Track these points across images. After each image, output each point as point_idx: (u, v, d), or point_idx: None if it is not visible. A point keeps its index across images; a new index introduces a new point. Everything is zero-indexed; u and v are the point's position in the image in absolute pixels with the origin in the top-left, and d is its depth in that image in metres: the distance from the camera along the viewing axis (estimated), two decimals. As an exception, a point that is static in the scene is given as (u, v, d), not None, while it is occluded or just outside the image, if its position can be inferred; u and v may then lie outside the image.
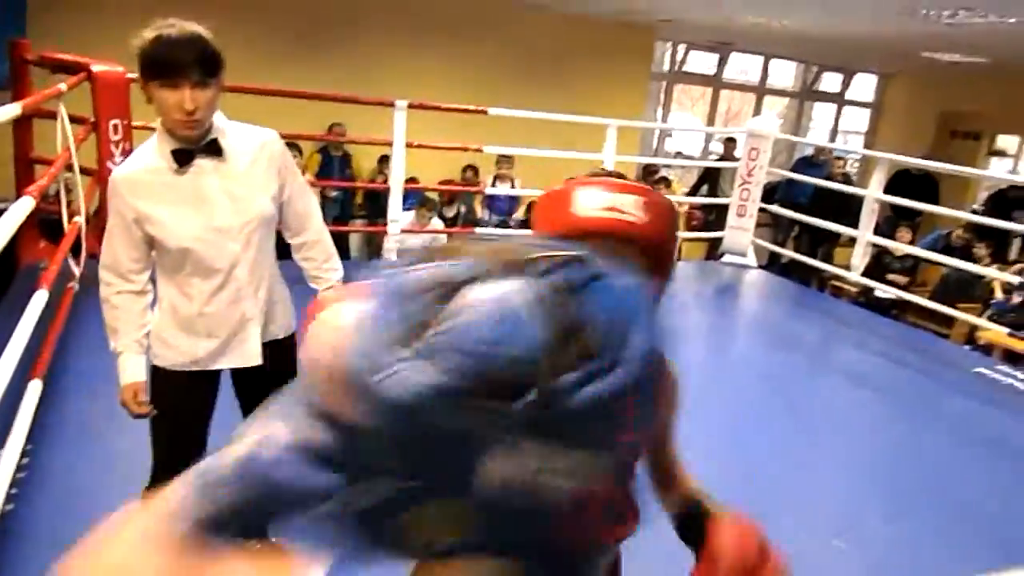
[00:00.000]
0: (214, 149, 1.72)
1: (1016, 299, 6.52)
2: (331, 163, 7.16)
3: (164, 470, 1.84)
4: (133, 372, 1.80)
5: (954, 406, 4.24)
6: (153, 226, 1.71)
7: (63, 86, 3.56)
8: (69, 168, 3.66)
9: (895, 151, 6.65)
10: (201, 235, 1.72)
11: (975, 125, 10.98)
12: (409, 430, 0.55)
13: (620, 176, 1.11)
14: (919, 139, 10.83)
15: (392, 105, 5.39)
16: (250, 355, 1.85)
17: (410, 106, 5.42)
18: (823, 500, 3.08)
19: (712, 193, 8.43)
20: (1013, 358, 5.99)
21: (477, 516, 0.57)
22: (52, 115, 3.61)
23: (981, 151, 11.19)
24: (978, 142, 11.13)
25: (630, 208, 1.03)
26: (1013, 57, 7.65)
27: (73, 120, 3.85)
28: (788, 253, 7.85)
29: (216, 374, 1.88)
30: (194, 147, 1.70)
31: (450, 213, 7.07)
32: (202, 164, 1.71)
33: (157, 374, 1.84)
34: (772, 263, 8.20)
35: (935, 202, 8.51)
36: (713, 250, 8.90)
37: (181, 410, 1.87)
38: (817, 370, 4.66)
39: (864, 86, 12.04)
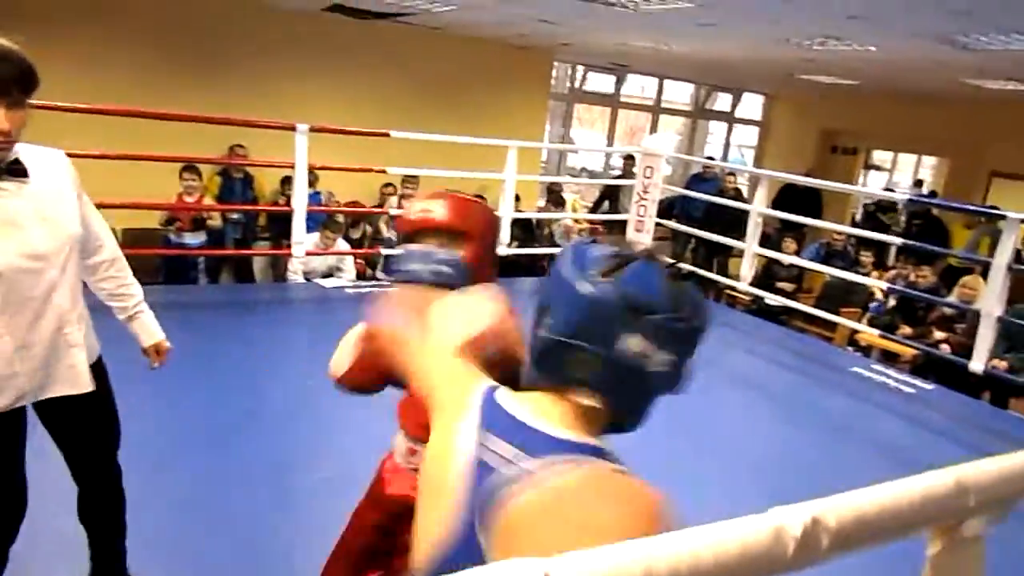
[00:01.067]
0: (19, 171, 1.61)
1: (891, 302, 7.04)
2: (232, 185, 7.06)
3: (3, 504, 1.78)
4: None
5: (831, 404, 4.58)
6: None
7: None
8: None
9: (781, 166, 7.12)
10: (16, 263, 1.58)
11: (853, 141, 11.78)
12: (589, 315, 0.93)
13: (456, 192, 1.52)
14: (803, 154, 11.53)
15: (293, 128, 5.41)
16: (81, 382, 1.78)
17: (312, 129, 5.44)
18: (705, 501, 3.28)
19: (614, 209, 8.75)
20: (889, 357, 6.47)
21: (606, 366, 0.94)
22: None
23: (859, 164, 12.01)
24: (856, 156, 11.95)
25: (436, 208, 1.46)
26: (880, 80, 8.29)
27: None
28: (685, 266, 8.23)
29: (23, 410, 1.74)
30: None
31: (356, 234, 7.09)
32: (7, 187, 1.59)
33: None
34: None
35: (819, 211, 9.12)
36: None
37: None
38: (708, 376, 4.90)
39: (752, 105, 12.75)
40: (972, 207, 7.45)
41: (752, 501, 3.03)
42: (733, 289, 8.16)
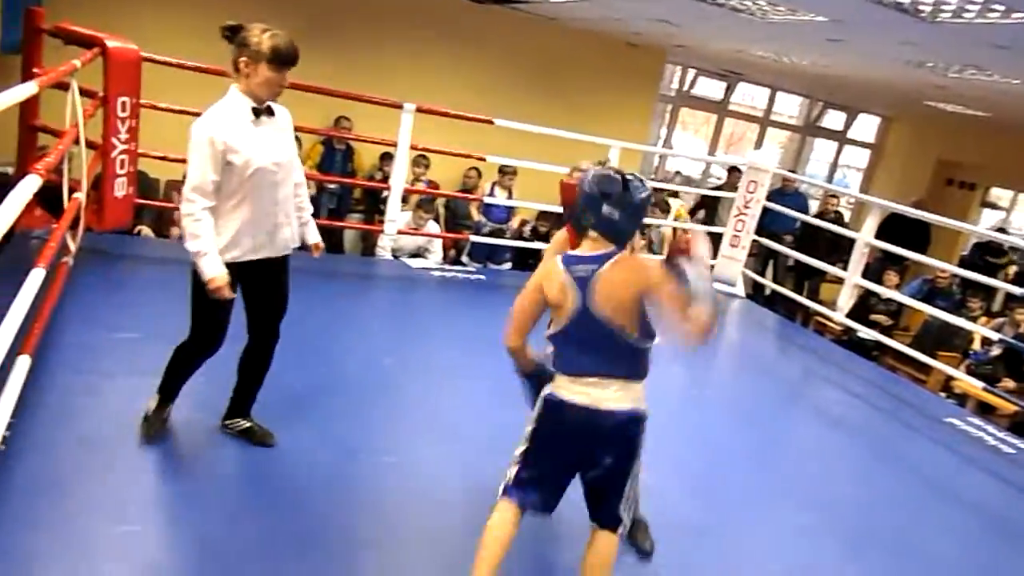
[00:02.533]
0: (271, 111, 2.60)
1: (995, 351, 6.61)
2: (333, 155, 7.18)
3: (212, 331, 2.69)
4: (219, 267, 2.49)
5: (922, 455, 4.32)
6: (237, 155, 2.47)
7: (77, 63, 3.57)
8: (75, 142, 3.67)
9: (891, 192, 6.76)
10: (266, 164, 2.53)
11: (971, 175, 11.12)
12: (587, 201, 2.12)
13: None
14: (915, 183, 10.96)
15: (400, 107, 5.44)
16: (283, 247, 2.73)
17: (418, 110, 5.46)
18: (781, 539, 3.13)
19: (709, 219, 8.50)
20: (986, 409, 6.08)
21: (598, 220, 2.11)
22: (61, 85, 3.62)
23: (975, 201, 11.34)
24: (973, 192, 11.28)
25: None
26: (1013, 113, 7.77)
27: (83, 93, 3.87)
28: (773, 286, 7.94)
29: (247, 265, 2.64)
30: (262, 108, 2.55)
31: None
32: (265, 120, 2.57)
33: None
34: (756, 293, 8.27)
35: (926, 244, 8.63)
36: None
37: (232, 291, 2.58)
38: (794, 406, 4.74)
39: (866, 126, 12.18)
40: None
41: (831, 554, 2.86)
42: (823, 316, 7.83)
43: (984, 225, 11.02)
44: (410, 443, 3.21)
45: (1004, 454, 4.52)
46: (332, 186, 7.03)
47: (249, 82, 2.50)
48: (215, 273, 2.47)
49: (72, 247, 3.91)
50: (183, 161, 5.99)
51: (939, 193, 11.05)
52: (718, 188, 9.26)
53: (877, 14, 4.33)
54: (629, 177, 2.09)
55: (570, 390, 2.12)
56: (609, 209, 2.06)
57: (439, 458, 3.12)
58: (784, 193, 8.75)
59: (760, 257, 8.93)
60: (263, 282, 2.72)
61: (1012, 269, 9.45)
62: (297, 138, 6.27)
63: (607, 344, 2.09)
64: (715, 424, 4.11)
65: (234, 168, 2.47)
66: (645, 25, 7.02)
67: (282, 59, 2.49)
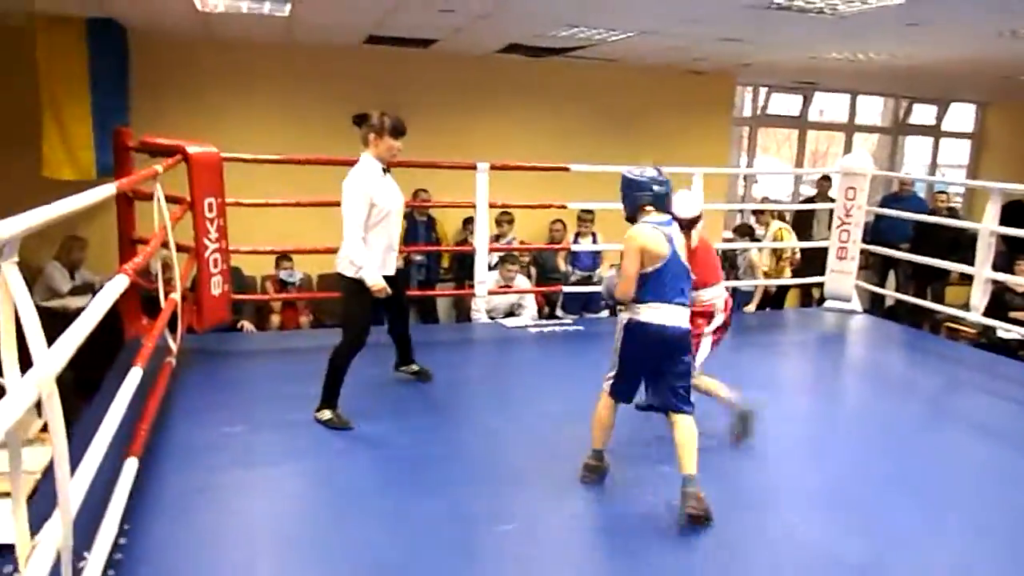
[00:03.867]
0: (388, 170, 3.69)
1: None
2: (416, 228, 7.22)
3: (362, 331, 3.65)
4: (379, 278, 3.54)
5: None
6: (378, 200, 3.54)
7: (159, 167, 3.68)
8: (166, 245, 3.76)
9: (1002, 181, 6.19)
10: (393, 207, 3.63)
11: (1090, 149, 10.26)
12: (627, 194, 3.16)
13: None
14: (1027, 168, 10.18)
15: (474, 168, 5.41)
16: (393, 267, 3.76)
17: (492, 167, 5.42)
18: (949, 570, 2.74)
19: (807, 237, 8.04)
20: None
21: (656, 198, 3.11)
22: (151, 197, 3.73)
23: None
24: (1095, 167, 10.36)
25: None
26: None
27: (171, 200, 3.99)
28: (894, 294, 7.40)
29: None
30: (386, 167, 3.66)
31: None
32: (388, 176, 3.66)
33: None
34: (874, 307, 7.74)
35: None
36: (807, 296, 8.49)
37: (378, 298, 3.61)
38: (944, 421, 4.27)
39: (961, 117, 11.48)
40: None
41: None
42: (954, 320, 7.22)
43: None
44: (526, 509, 3.01)
45: None
46: (419, 258, 7.04)
47: (377, 150, 3.60)
48: (376, 282, 3.51)
49: (174, 347, 3.96)
50: (273, 253, 6.13)
51: (1057, 173, 10.20)
52: (808, 201, 8.84)
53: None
54: (654, 170, 3.16)
55: (649, 315, 2.96)
56: (658, 189, 3.08)
57: (556, 522, 2.91)
58: (900, 198, 8.26)
59: (876, 268, 8.40)
60: (394, 288, 3.70)
61: None
62: None
63: (684, 281, 3.04)
64: (859, 449, 3.73)
65: (378, 210, 3.53)
66: (709, 49, 6.84)
67: (399, 131, 3.63)
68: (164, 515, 2.71)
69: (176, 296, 3.87)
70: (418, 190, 7.18)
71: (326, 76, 7.42)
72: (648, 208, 3.05)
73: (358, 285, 3.54)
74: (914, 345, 6.02)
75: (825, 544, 2.81)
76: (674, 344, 2.97)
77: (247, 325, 6.16)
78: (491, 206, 5.53)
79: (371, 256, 3.53)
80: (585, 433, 3.18)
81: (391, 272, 3.70)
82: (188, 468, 3.11)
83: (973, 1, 4.54)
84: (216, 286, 4.60)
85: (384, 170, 3.61)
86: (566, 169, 5.80)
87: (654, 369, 3.01)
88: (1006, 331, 6.23)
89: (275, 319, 6.49)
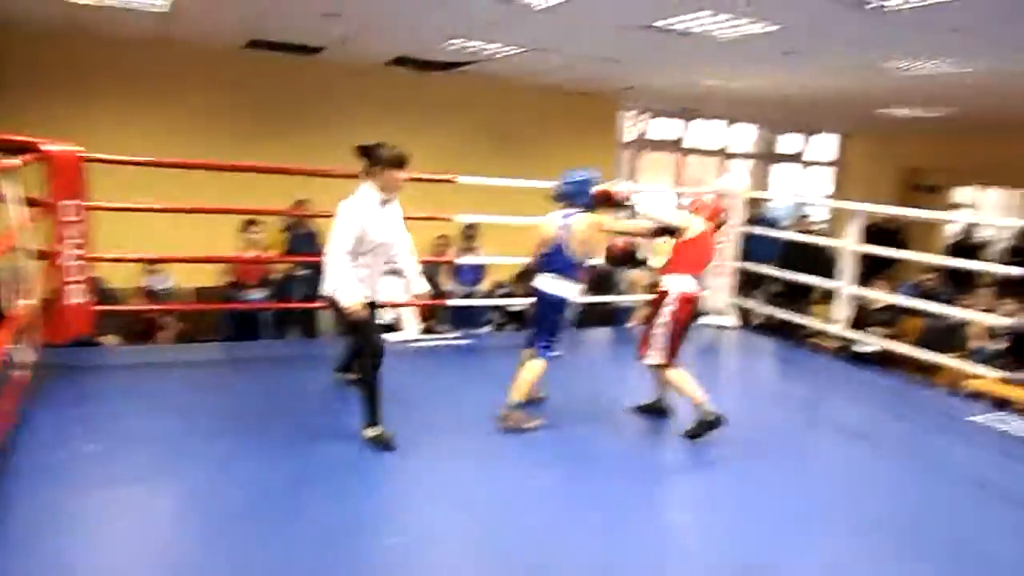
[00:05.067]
0: (391, 201, 3.64)
1: (999, 345, 6.45)
2: (299, 241, 6.99)
3: (372, 352, 3.51)
4: (354, 298, 3.39)
5: (958, 457, 4.08)
6: (370, 231, 3.50)
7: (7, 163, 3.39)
8: (19, 250, 3.45)
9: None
10: (389, 239, 3.63)
11: (934, 178, 11.21)
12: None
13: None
14: (882, 194, 10.98)
15: (357, 177, 5.28)
16: (379, 294, 3.76)
17: (376, 177, 5.31)
18: (840, 565, 2.86)
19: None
20: (1001, 404, 5.88)
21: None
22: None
23: (942, 203, 11.40)
24: (938, 195, 11.34)
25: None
26: (970, 109, 7.82)
27: (28, 204, 3.69)
28: (764, 309, 7.77)
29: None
30: (386, 199, 3.60)
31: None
32: (389, 207, 3.63)
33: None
34: (745, 323, 8.10)
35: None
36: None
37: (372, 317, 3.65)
38: (815, 428, 4.49)
39: (825, 146, 12.30)
40: None
41: (891, 569, 2.56)
42: (817, 335, 7.66)
43: (954, 226, 11.03)
44: (417, 518, 2.92)
45: (1037, 444, 4.30)
46: (302, 272, 6.81)
47: (377, 181, 3.55)
48: (355, 299, 3.39)
49: (27, 362, 3.63)
50: (140, 260, 5.75)
51: (906, 200, 11.09)
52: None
53: (826, 12, 4.30)
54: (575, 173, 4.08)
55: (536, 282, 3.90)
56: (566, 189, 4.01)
57: (443, 530, 2.83)
58: (753, 218, 8.71)
59: (745, 288, 8.80)
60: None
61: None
62: (256, 223, 6.30)
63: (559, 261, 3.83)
64: (734, 456, 3.85)
65: (368, 240, 3.49)
66: (595, 69, 7.02)
67: (402, 163, 3.59)
68: (7, 544, 2.45)
69: (28, 306, 3.55)
70: (298, 201, 6.97)
71: (207, 79, 7.12)
72: (561, 203, 3.91)
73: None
74: (783, 358, 6.34)
75: (724, 552, 2.87)
76: (543, 304, 3.87)
77: (109, 339, 5.75)
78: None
79: (354, 277, 3.45)
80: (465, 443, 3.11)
81: (376, 298, 3.71)
82: (38, 491, 2.84)
83: (842, 34, 4.86)
84: (75, 295, 4.27)
85: (384, 201, 3.57)
86: (452, 180, 5.76)
87: (532, 318, 4.00)
88: (864, 345, 6.65)
89: (163, 336, 6.13)
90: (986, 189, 12.12)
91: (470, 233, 7.00)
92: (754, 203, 8.97)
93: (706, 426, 3.79)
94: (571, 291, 3.83)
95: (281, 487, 3.06)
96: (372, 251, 3.53)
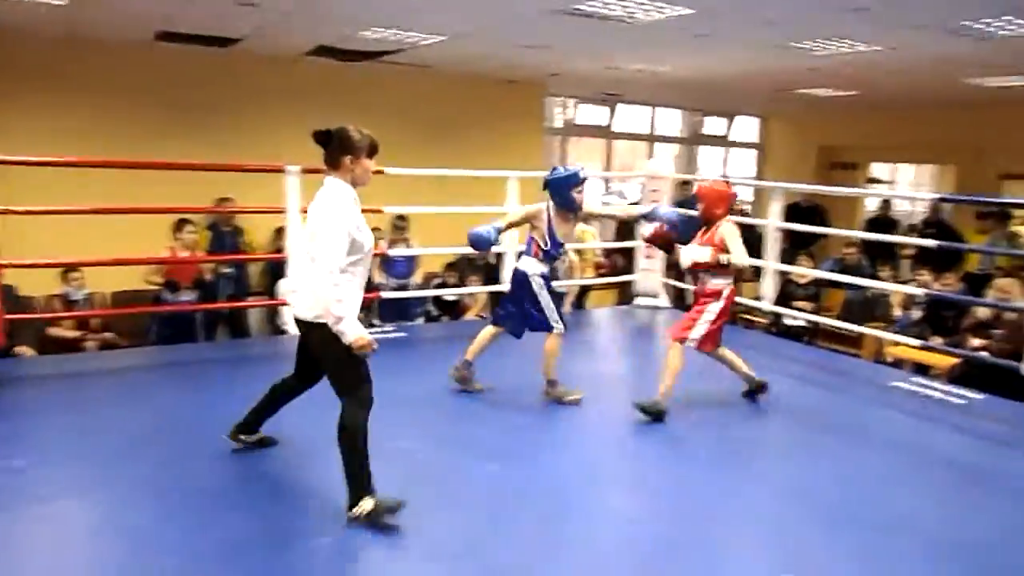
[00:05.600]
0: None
1: (916, 314, 6.73)
2: (222, 239, 6.79)
3: (368, 387, 2.85)
4: (363, 330, 2.76)
5: (880, 421, 4.23)
6: (359, 236, 2.81)
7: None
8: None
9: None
10: (370, 244, 2.91)
11: (852, 156, 11.59)
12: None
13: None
14: (802, 173, 11.33)
15: (283, 171, 5.15)
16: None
17: (304, 171, 5.18)
18: (768, 533, 2.93)
19: (630, 240, 8.41)
20: (920, 370, 6.14)
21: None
22: None
23: (861, 179, 11.81)
24: (856, 171, 11.74)
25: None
26: (880, 88, 8.09)
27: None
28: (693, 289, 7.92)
29: None
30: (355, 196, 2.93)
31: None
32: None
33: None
34: (680, 303, 8.25)
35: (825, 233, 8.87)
36: (625, 295, 8.90)
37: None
38: (746, 403, 4.59)
39: (747, 128, 12.59)
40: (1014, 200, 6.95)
41: (827, 531, 2.63)
42: (748, 311, 7.85)
43: (872, 201, 11.43)
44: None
45: (956, 406, 4.49)
46: (227, 270, 6.61)
47: (353, 173, 2.90)
48: (360, 334, 2.75)
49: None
50: (52, 266, 5.51)
51: (826, 178, 11.44)
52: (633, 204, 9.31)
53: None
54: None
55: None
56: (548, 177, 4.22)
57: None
58: (685, 200, 8.89)
59: (678, 268, 8.94)
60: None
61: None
62: (191, 221, 6.09)
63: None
64: (670, 434, 3.91)
65: (357, 245, 2.81)
66: (519, 56, 7.00)
67: (375, 150, 2.96)
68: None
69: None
70: (220, 199, 6.76)
71: (116, 75, 6.84)
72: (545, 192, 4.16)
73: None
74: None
75: (644, 529, 2.89)
76: (514, 281, 4.22)
77: (23, 350, 5.49)
78: (303, 212, 5.28)
79: (350, 304, 2.78)
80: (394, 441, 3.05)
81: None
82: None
83: (755, 13, 4.95)
84: (-18, 305, 4.04)
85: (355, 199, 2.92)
86: (380, 172, 5.65)
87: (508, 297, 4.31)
88: (792, 319, 6.85)
89: (90, 345, 5.88)
90: (899, 165, 12.62)
91: (401, 225, 6.90)
92: (685, 185, 9.17)
93: (657, 415, 3.93)
94: (534, 267, 4.13)
95: (209, 500, 2.95)
96: (361, 262, 2.87)
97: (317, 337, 2.83)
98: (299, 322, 2.93)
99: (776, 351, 5.83)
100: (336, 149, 2.88)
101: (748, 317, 8.07)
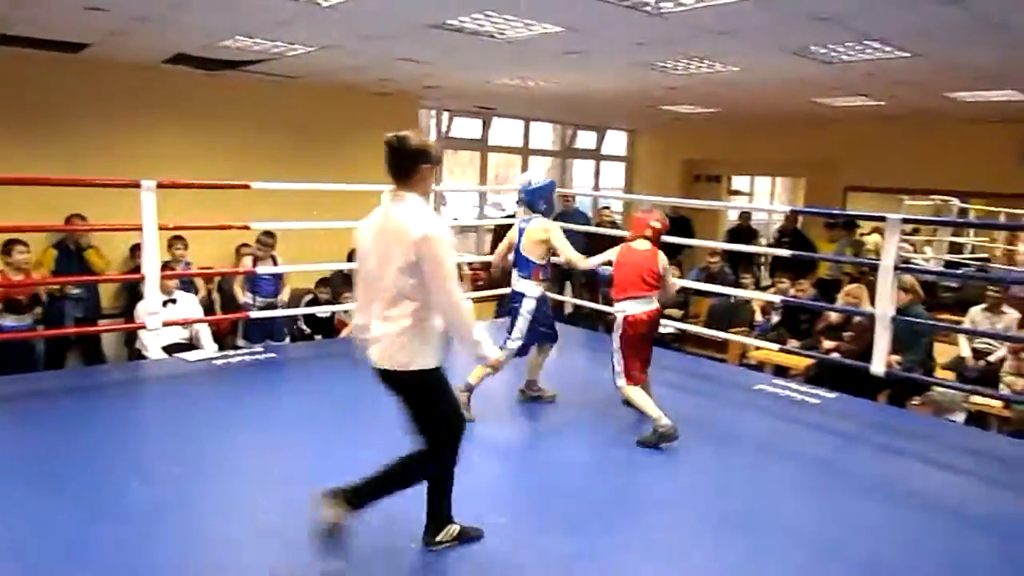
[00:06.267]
0: None
1: (775, 319, 7.14)
2: (70, 258, 6.30)
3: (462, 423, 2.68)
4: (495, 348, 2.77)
5: (748, 423, 4.43)
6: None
7: None
8: None
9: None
10: None
11: (714, 169, 12.19)
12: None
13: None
14: (669, 185, 11.80)
15: (138, 186, 4.83)
16: None
17: (159, 186, 4.88)
18: (647, 536, 2.99)
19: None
20: (781, 371, 6.50)
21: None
22: None
23: (722, 191, 12.44)
24: (719, 184, 12.36)
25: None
26: (739, 105, 8.55)
27: None
28: (572, 300, 8.08)
29: None
30: None
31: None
32: None
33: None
34: (556, 315, 8.38)
35: (691, 238, 9.28)
36: (503, 307, 8.96)
37: None
38: (619, 409, 4.68)
39: (618, 142, 12.99)
40: (869, 214, 7.44)
41: (691, 539, 2.69)
42: (622, 321, 8.06)
43: (734, 212, 12.07)
44: (227, 549, 2.69)
45: (813, 405, 4.77)
46: (75, 291, 6.14)
47: (427, 186, 2.62)
48: (496, 353, 2.75)
49: None
50: None
51: (690, 190, 11.98)
52: (510, 216, 9.38)
53: (606, 15, 4.49)
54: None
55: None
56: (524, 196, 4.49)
57: (260, 555, 2.64)
58: (567, 213, 9.07)
59: (555, 280, 9.11)
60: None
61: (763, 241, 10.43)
62: (23, 242, 5.59)
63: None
64: (539, 447, 3.93)
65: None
66: (390, 69, 6.91)
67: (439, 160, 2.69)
68: None
69: None
70: (72, 215, 6.28)
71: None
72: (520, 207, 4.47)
73: (436, 374, 2.58)
74: (591, 346, 6.58)
75: (530, 542, 2.88)
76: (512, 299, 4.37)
77: None
78: (161, 228, 4.97)
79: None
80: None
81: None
82: None
83: (617, 34, 5.09)
84: None
85: None
86: (246, 186, 5.43)
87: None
88: (662, 326, 7.09)
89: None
90: (757, 178, 13.40)
91: (266, 241, 6.60)
92: (563, 198, 9.33)
93: (661, 438, 3.88)
94: (530, 288, 4.28)
95: (76, 534, 2.70)
96: None
97: (414, 385, 2.53)
98: (383, 372, 2.56)
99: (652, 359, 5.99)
100: (415, 160, 2.58)
101: (621, 326, 8.28)
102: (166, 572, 2.55)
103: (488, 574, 2.65)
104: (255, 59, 6.52)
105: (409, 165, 2.55)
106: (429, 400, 2.57)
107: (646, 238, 4.26)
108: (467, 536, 2.72)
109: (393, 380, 2.54)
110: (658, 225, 4.32)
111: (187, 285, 6.20)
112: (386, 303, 2.50)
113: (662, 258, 4.26)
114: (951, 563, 2.91)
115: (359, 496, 2.51)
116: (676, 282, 4.48)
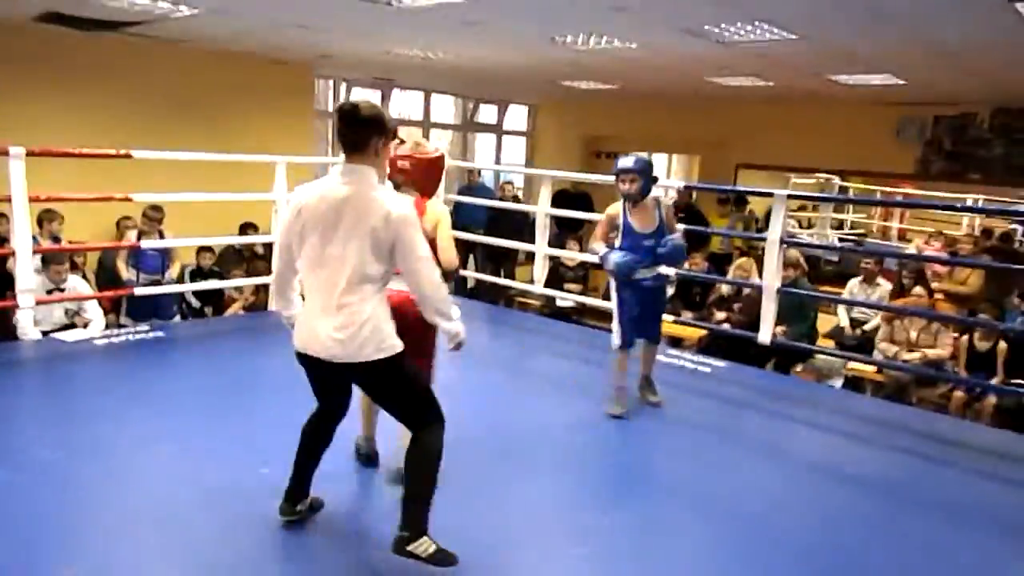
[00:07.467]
0: None
1: (670, 291, 7.36)
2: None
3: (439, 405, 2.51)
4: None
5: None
6: None
7: None
8: None
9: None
10: None
11: (614, 145, 12.36)
12: None
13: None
14: (570, 161, 11.91)
15: (6, 153, 4.49)
16: None
17: (29, 153, 4.55)
18: (551, 509, 3.04)
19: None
20: (675, 343, 6.72)
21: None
22: None
23: (621, 168, 12.63)
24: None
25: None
26: (636, 83, 8.69)
27: None
28: (474, 275, 8.08)
29: None
30: None
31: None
32: None
33: None
34: (459, 288, 8.37)
35: (591, 211, 9.42)
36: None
37: None
38: (521, 381, 4.74)
39: (519, 117, 12.99)
40: (758, 190, 7.71)
41: (604, 500, 2.75)
42: (523, 295, 8.16)
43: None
44: (105, 540, 2.56)
45: (705, 374, 4.95)
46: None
47: (382, 161, 2.46)
48: (464, 329, 2.65)
49: None
50: None
51: (591, 166, 12.12)
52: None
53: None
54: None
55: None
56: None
57: (140, 546, 2.53)
58: (472, 188, 9.08)
59: (458, 253, 9.08)
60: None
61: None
62: None
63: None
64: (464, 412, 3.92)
65: None
66: (285, 36, 6.65)
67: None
68: None
69: None
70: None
71: None
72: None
73: (403, 352, 2.42)
74: (493, 319, 6.62)
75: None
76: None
77: None
78: (32, 200, 4.64)
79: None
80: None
81: None
82: None
83: (519, 7, 5.06)
84: None
85: None
86: (128, 156, 5.13)
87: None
88: (563, 300, 7.20)
89: None
90: (655, 155, 13.69)
91: (152, 215, 6.26)
92: (467, 172, 9.30)
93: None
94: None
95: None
96: None
97: (383, 371, 2.36)
98: (341, 365, 2.35)
99: (550, 331, 6.09)
100: (370, 130, 2.35)
101: (523, 300, 8.38)
102: (42, 557, 2.40)
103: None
104: (136, 20, 6.13)
105: (362, 135, 2.35)
106: (407, 380, 2.45)
107: (399, 185, 3.00)
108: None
109: (359, 372, 2.38)
110: (408, 166, 2.99)
111: (71, 267, 5.81)
112: (345, 288, 2.30)
113: (433, 212, 2.97)
114: (827, 517, 3.10)
115: (415, 520, 2.34)
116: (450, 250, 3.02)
